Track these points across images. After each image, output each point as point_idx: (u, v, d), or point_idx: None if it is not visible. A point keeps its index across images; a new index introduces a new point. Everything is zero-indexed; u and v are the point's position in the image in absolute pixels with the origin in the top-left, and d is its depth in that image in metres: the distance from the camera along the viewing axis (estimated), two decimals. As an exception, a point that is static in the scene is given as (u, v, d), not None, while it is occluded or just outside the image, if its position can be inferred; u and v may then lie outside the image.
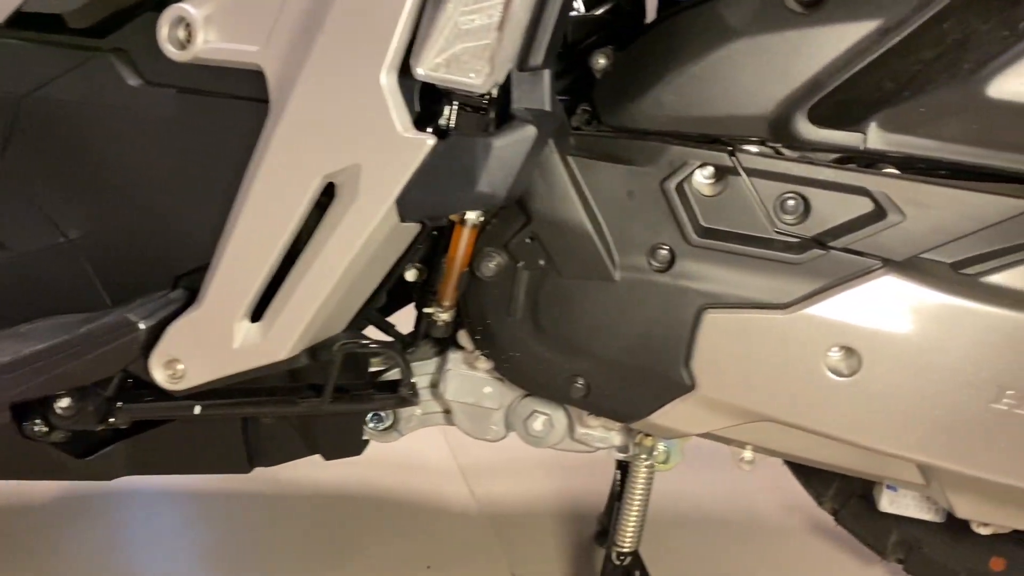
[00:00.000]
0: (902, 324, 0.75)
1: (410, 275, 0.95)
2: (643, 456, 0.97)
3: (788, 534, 1.31)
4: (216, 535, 1.28)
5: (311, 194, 0.78)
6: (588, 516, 1.30)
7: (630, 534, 1.01)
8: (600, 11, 0.99)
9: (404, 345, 0.98)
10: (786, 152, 0.79)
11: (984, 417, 0.75)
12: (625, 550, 1.02)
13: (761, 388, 0.79)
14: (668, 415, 0.84)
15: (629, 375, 0.84)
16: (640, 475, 0.99)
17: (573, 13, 0.99)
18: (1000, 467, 0.77)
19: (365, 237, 0.78)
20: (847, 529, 1.09)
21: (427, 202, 0.76)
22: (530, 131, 0.74)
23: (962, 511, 0.83)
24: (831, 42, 0.74)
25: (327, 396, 0.89)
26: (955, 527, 0.98)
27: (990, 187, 0.74)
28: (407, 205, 0.77)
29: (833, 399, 0.77)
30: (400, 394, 0.90)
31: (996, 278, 0.75)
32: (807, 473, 1.08)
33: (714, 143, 0.79)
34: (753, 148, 0.79)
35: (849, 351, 0.76)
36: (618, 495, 1.05)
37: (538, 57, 0.73)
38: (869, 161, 0.79)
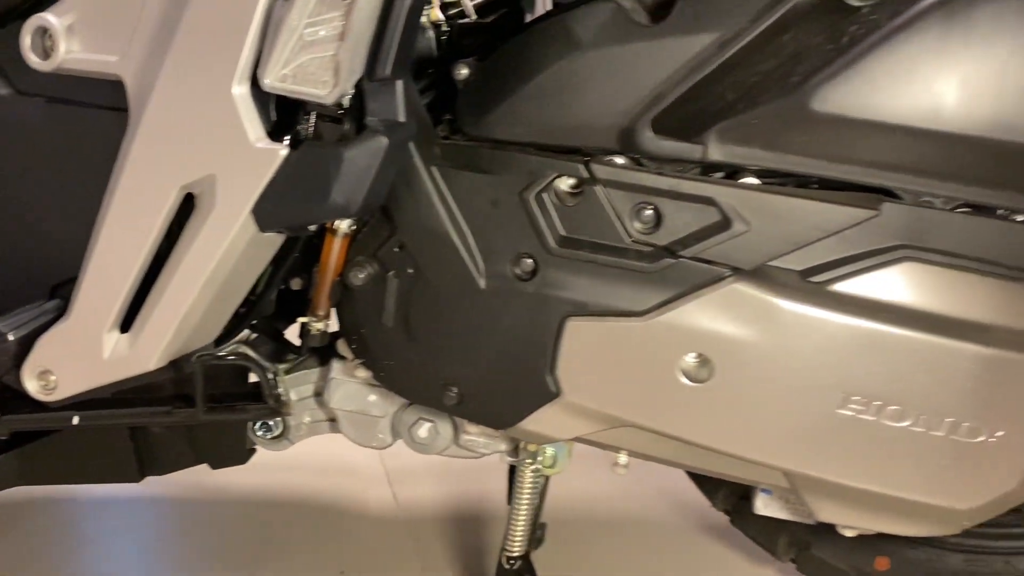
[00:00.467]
0: (751, 331, 0.76)
1: (295, 284, 0.96)
2: (528, 461, 0.98)
3: (683, 534, 1.32)
4: (134, 538, 1.28)
5: (170, 204, 0.79)
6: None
7: (519, 538, 1.02)
8: (490, 19, 0.99)
9: (296, 356, 0.98)
10: (645, 163, 0.80)
11: (831, 423, 0.76)
12: (515, 554, 1.02)
13: (621, 394, 0.80)
14: (537, 421, 0.85)
15: (498, 383, 0.84)
16: (527, 480, 0.99)
17: (464, 20, 0.99)
18: (849, 471, 0.78)
19: (224, 247, 0.78)
20: (740, 530, 1.10)
21: (283, 212, 0.77)
22: (381, 141, 0.74)
23: (822, 514, 0.84)
24: (672, 54, 0.74)
25: (200, 407, 0.89)
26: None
27: (831, 196, 0.75)
28: (263, 215, 0.77)
29: (688, 405, 0.78)
30: (268, 404, 0.90)
31: (842, 286, 0.76)
32: (699, 475, 1.09)
33: (573, 154, 0.80)
34: (619, 159, 0.80)
35: (702, 358, 0.77)
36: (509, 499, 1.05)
37: (386, 68, 0.73)
38: (731, 171, 0.80)
